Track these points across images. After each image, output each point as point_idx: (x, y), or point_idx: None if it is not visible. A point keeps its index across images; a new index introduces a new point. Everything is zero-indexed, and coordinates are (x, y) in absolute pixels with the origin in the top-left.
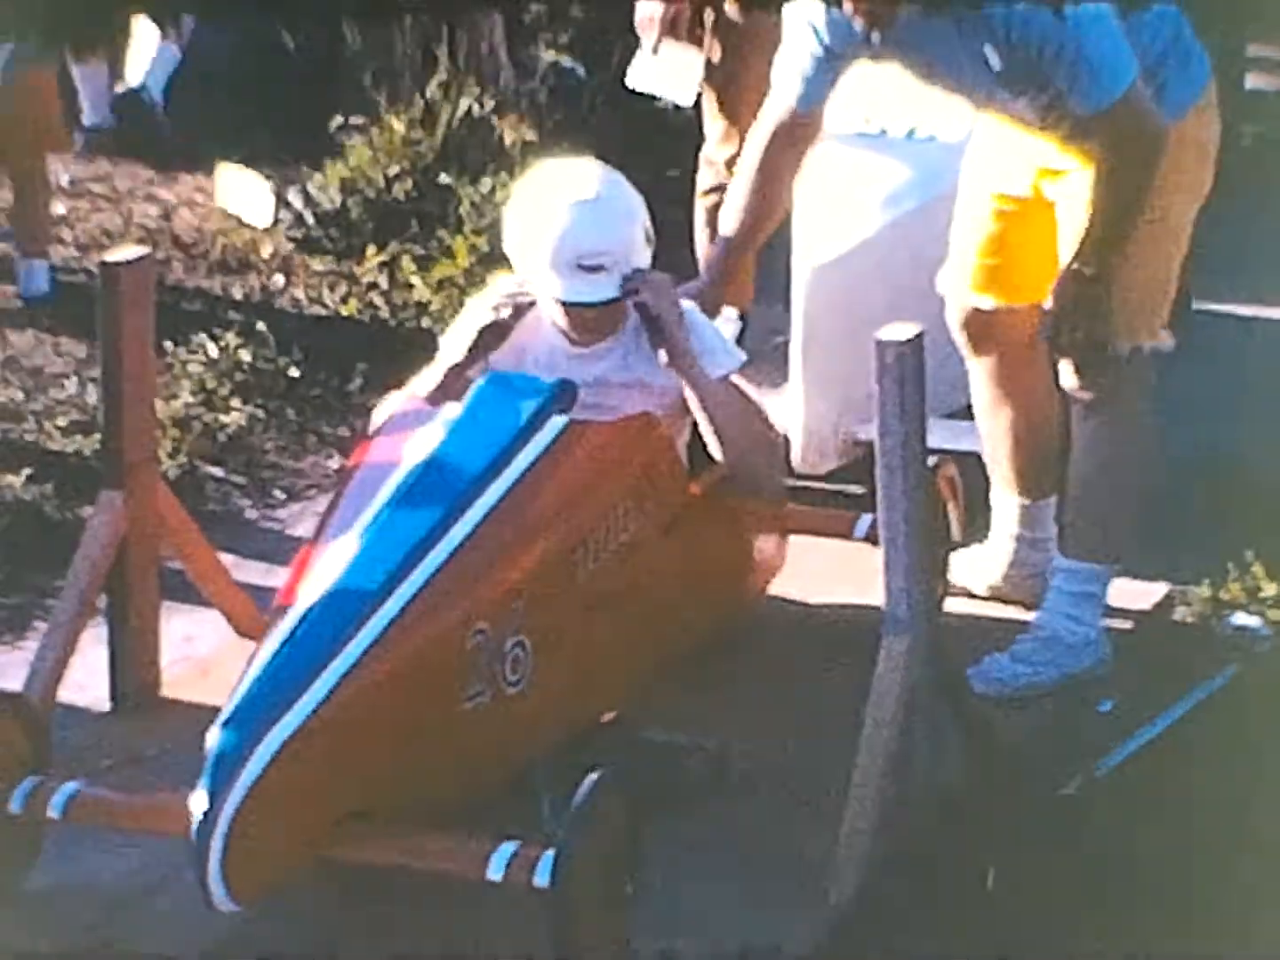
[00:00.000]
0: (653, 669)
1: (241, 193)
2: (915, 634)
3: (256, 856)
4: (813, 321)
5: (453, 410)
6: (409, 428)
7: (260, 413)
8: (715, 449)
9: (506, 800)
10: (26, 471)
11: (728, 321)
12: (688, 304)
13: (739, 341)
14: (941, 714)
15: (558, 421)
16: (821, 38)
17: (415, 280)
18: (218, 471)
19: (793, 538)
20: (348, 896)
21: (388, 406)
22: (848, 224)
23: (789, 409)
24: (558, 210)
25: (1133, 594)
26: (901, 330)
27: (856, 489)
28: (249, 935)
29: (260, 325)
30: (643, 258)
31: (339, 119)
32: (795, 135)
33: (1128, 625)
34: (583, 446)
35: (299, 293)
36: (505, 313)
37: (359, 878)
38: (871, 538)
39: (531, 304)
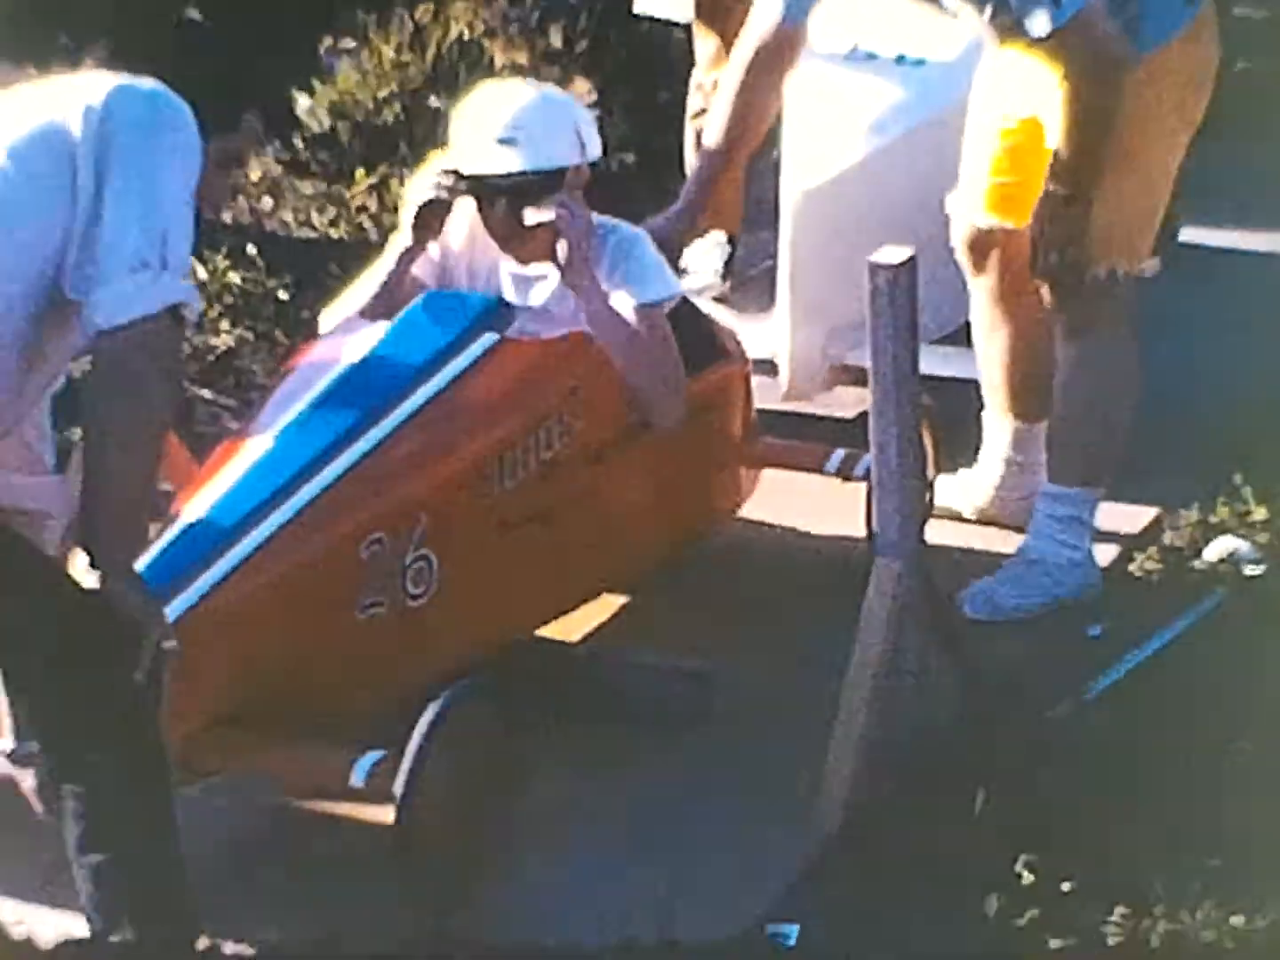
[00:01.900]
0: (588, 590)
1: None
2: (905, 557)
3: None
4: (801, 246)
5: (387, 322)
6: (343, 336)
7: (249, 335)
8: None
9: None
10: None
11: (716, 245)
12: (631, 228)
13: (727, 266)
14: (930, 638)
15: (489, 337)
16: None
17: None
18: (207, 394)
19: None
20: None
21: (333, 311)
22: (837, 148)
23: (776, 334)
24: (480, 96)
25: (1121, 518)
26: (894, 253)
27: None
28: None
29: (249, 248)
30: (564, 153)
31: (328, 41)
32: (778, 54)
33: (1116, 549)
34: (510, 363)
35: (288, 215)
36: (443, 190)
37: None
38: (843, 472)
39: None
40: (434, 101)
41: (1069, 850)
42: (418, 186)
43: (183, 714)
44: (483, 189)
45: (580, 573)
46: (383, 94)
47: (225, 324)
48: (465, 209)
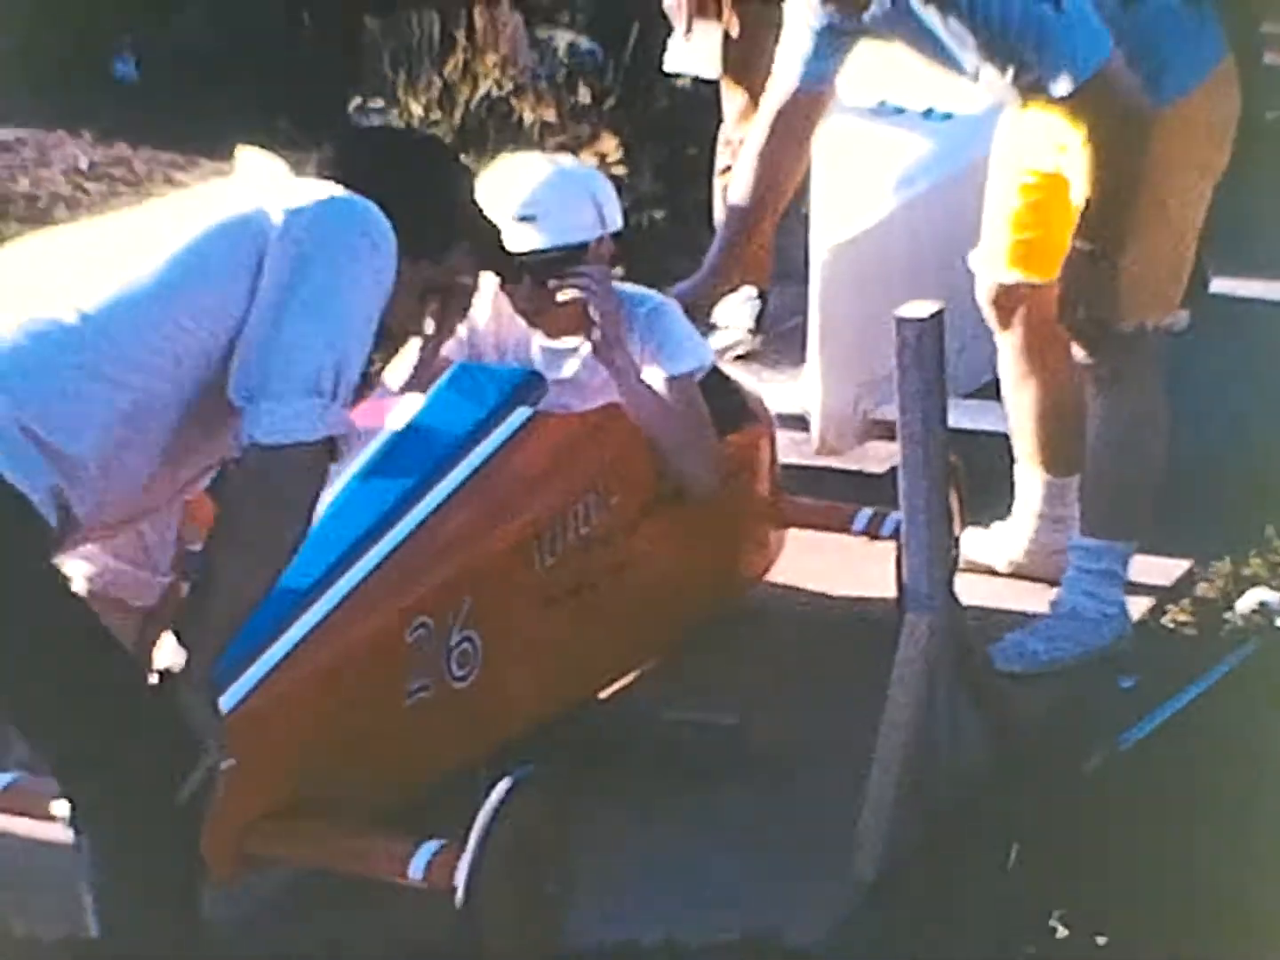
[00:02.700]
0: (625, 661)
1: (259, 175)
2: (937, 611)
3: None
4: (830, 301)
5: (419, 398)
6: (379, 407)
7: None
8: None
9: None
10: None
11: (747, 300)
12: (660, 298)
13: (757, 321)
14: (963, 691)
15: (522, 412)
16: (820, 15)
17: None
18: None
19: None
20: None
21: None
22: (866, 202)
23: (807, 390)
24: (498, 173)
25: (1154, 570)
26: (922, 307)
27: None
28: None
29: None
30: (584, 227)
31: (357, 100)
32: (798, 119)
33: (1149, 601)
34: (545, 438)
35: None
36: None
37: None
38: (870, 531)
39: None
40: (463, 159)
41: (1104, 903)
42: None
43: (237, 806)
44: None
45: (620, 643)
46: None
47: None
48: (488, 285)
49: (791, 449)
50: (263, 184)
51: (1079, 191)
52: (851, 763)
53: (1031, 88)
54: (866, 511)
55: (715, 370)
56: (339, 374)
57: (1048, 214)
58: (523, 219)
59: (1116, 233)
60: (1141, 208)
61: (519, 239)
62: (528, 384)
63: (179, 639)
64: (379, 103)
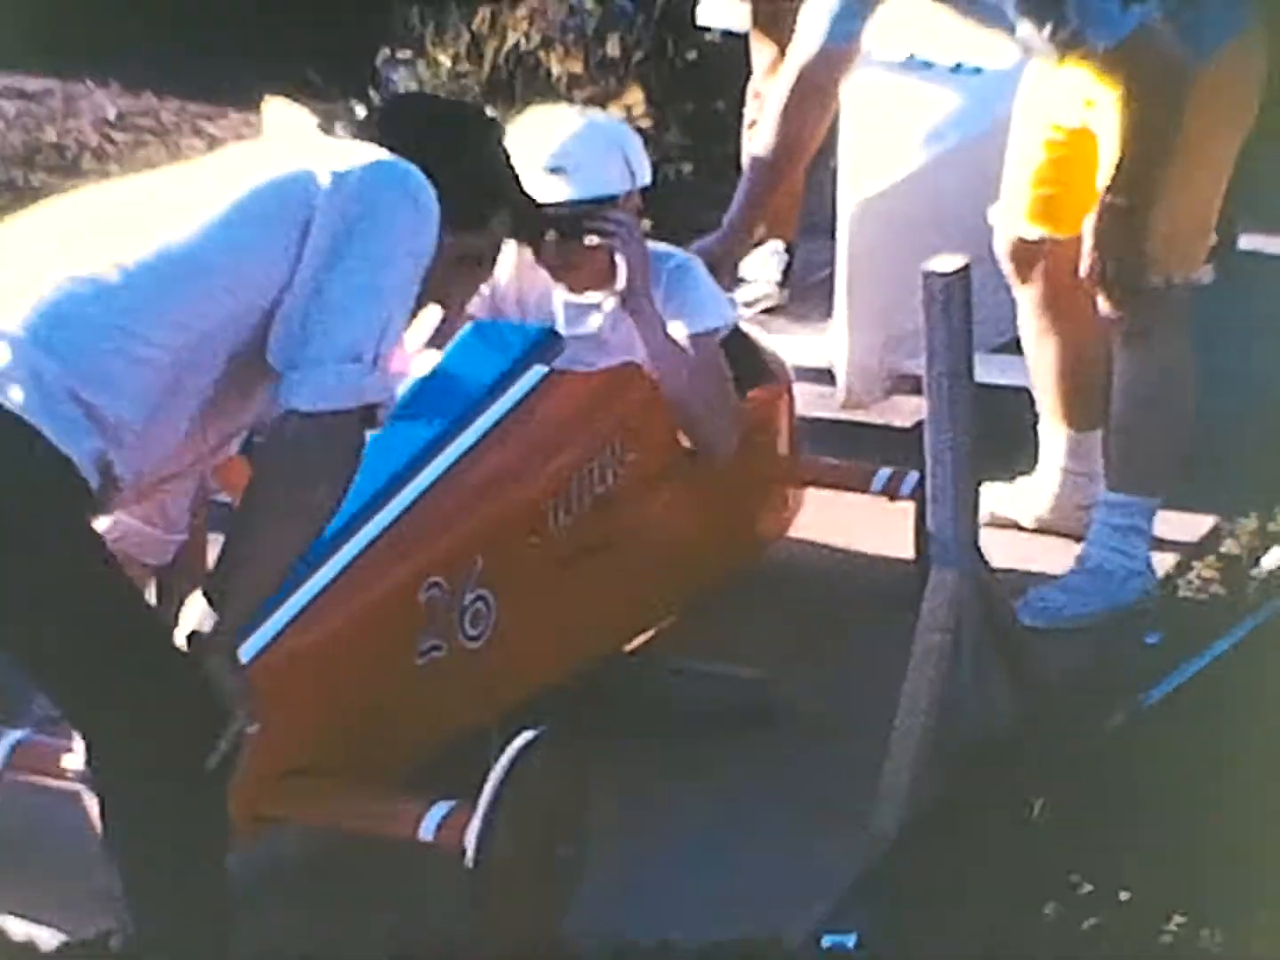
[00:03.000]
0: (639, 621)
1: (287, 126)
2: (962, 565)
3: None
4: (858, 254)
5: (434, 357)
6: (400, 363)
7: None
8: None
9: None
10: None
11: (773, 254)
12: (683, 255)
13: (785, 275)
14: (987, 646)
15: (537, 370)
16: None
17: None
18: None
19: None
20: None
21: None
22: (894, 156)
23: (834, 343)
24: (528, 124)
25: (1179, 526)
26: (949, 261)
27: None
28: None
29: None
30: (613, 180)
31: (385, 52)
32: (823, 74)
33: (1174, 557)
34: (560, 396)
35: None
36: None
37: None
38: (889, 492)
39: None
40: (491, 111)
41: (1127, 860)
42: None
43: (249, 765)
44: None
45: (636, 603)
46: None
47: None
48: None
49: (817, 403)
50: (304, 143)
51: (1111, 146)
52: (876, 716)
53: (1069, 42)
54: (885, 471)
55: (734, 328)
56: (380, 341)
57: (1071, 170)
58: (553, 170)
59: (1152, 188)
60: (1176, 163)
61: (548, 190)
62: (544, 341)
63: (209, 603)
64: (407, 54)
